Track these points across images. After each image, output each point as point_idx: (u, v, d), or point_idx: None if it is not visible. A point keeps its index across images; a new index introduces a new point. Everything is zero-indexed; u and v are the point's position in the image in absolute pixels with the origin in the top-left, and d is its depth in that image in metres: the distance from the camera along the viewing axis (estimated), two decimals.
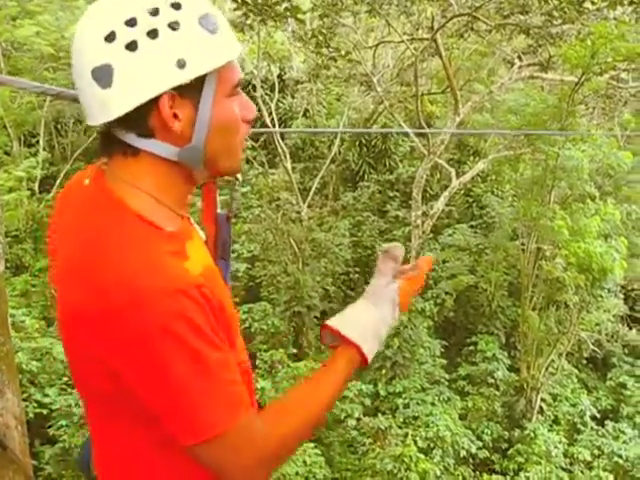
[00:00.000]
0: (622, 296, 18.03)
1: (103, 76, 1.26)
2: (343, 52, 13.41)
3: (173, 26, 1.25)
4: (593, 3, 12.55)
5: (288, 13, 7.95)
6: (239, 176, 1.62)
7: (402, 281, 1.61)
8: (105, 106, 1.28)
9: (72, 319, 1.28)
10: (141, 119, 1.29)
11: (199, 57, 1.26)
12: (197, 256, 1.35)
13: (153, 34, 1.24)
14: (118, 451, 1.40)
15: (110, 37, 1.25)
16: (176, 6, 1.26)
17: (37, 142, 19.27)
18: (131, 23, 1.24)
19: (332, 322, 1.53)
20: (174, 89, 1.26)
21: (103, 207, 1.32)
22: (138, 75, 1.25)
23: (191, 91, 1.28)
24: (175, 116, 1.29)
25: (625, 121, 20.14)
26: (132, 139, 1.32)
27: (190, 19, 1.26)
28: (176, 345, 1.20)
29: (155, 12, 1.25)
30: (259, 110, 19.04)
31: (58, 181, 18.93)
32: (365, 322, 1.52)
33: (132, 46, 1.24)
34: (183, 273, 1.25)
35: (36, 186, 18.38)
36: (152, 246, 1.26)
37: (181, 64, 1.25)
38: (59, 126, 20.83)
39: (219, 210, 1.67)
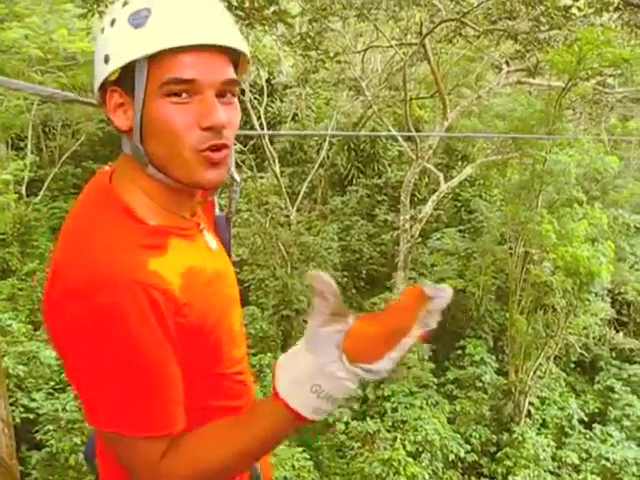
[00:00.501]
0: (609, 300, 18.11)
1: None
2: (332, 54, 13.41)
3: (112, 23, 1.29)
4: (580, 9, 12.64)
5: (276, 17, 7.96)
6: (236, 177, 1.60)
7: (358, 321, 1.21)
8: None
9: (44, 303, 1.29)
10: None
11: (118, 51, 1.26)
12: (183, 255, 1.33)
13: (102, 31, 1.31)
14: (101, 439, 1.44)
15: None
16: (124, 4, 1.29)
17: (25, 145, 19.18)
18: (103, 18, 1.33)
19: (278, 362, 1.29)
20: (116, 84, 1.29)
21: (98, 198, 1.35)
22: (95, 66, 1.32)
23: (129, 85, 1.28)
24: (125, 112, 1.31)
25: (612, 126, 20.32)
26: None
27: (123, 16, 1.27)
28: (99, 337, 1.19)
29: (110, 11, 1.31)
30: (247, 115, 19.04)
31: (46, 184, 18.87)
32: (296, 372, 1.23)
33: (94, 39, 1.32)
34: (141, 269, 1.23)
35: (23, 189, 18.29)
36: (123, 237, 1.27)
37: (106, 59, 1.28)
38: (47, 129, 20.75)
39: (217, 212, 1.67)
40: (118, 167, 1.39)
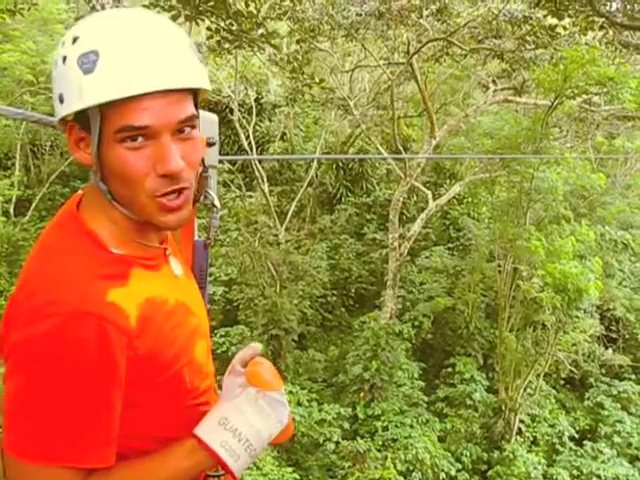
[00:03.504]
0: (598, 316, 18.16)
1: None
2: (317, 79, 13.51)
3: (64, 60, 1.25)
4: (565, 28, 12.78)
5: (263, 39, 8.01)
6: (216, 202, 1.59)
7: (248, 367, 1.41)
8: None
9: (2, 322, 1.28)
10: None
11: (70, 95, 1.24)
12: (144, 285, 1.31)
13: (55, 64, 1.28)
14: None
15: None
16: (74, 40, 1.25)
17: (12, 165, 19.14)
18: (62, 46, 1.28)
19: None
20: (74, 121, 1.27)
21: (64, 223, 1.34)
22: (53, 99, 1.30)
23: (87, 127, 1.26)
24: (87, 146, 1.29)
25: (598, 144, 20.46)
26: None
27: (73, 56, 1.23)
28: (41, 364, 1.18)
29: (62, 44, 1.27)
30: (236, 134, 19.11)
31: (34, 204, 18.80)
32: (211, 416, 1.35)
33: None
34: (98, 300, 1.21)
35: (11, 209, 18.23)
36: (84, 264, 1.25)
37: (61, 99, 1.26)
38: (35, 149, 20.72)
39: (196, 237, 1.66)
40: (87, 193, 1.38)
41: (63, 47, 1.26)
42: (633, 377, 18.12)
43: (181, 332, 1.37)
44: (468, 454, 14.71)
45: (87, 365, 1.19)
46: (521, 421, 15.77)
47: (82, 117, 1.25)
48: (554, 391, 17.25)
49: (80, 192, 1.42)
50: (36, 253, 1.32)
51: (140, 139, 1.23)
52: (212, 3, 7.29)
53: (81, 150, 1.30)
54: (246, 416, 1.32)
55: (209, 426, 1.32)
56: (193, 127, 1.29)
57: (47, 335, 1.17)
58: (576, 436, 16.12)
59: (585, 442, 15.98)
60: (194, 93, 1.32)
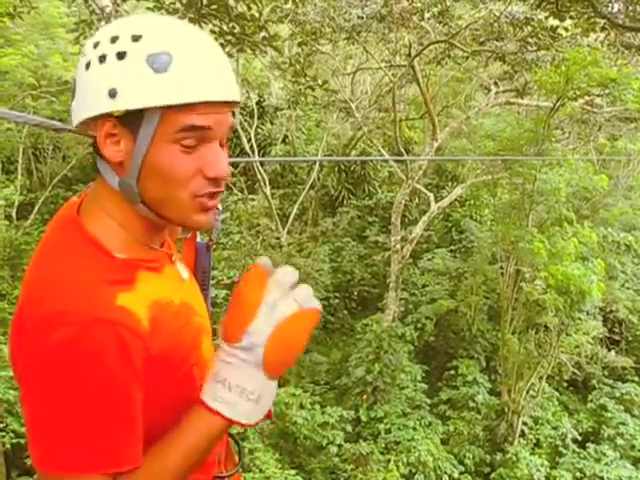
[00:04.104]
0: (601, 318, 18.15)
1: (73, 89, 1.32)
2: (320, 81, 13.51)
3: (120, 55, 1.25)
4: (567, 30, 12.79)
5: (265, 42, 8.02)
6: (219, 205, 1.60)
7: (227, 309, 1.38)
8: (71, 116, 1.33)
9: (10, 335, 1.27)
10: (92, 139, 1.32)
11: (132, 91, 1.23)
12: (151, 288, 1.31)
13: (102, 59, 1.26)
14: None
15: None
16: (135, 38, 1.25)
17: (15, 168, 19.17)
18: (95, 46, 1.28)
19: None
20: (115, 116, 1.26)
21: (64, 230, 1.33)
22: (85, 94, 1.28)
23: (132, 124, 1.26)
24: (117, 143, 1.28)
25: (600, 145, 20.44)
26: (97, 158, 1.34)
27: (139, 53, 1.24)
28: (61, 375, 1.17)
29: (114, 39, 1.26)
30: (237, 137, 19.12)
31: (36, 208, 18.83)
32: (209, 374, 1.36)
33: (87, 66, 1.27)
34: (109, 305, 1.21)
35: (14, 213, 18.25)
36: (90, 271, 1.25)
37: (112, 94, 1.24)
38: (38, 152, 20.75)
39: (199, 239, 1.67)
40: (90, 195, 1.37)
41: (116, 43, 1.26)
42: (636, 379, 18.10)
43: (188, 332, 1.39)
44: (471, 456, 14.69)
45: (109, 370, 1.19)
46: (524, 423, 15.75)
47: (132, 115, 1.25)
48: (557, 393, 17.24)
49: (75, 198, 1.41)
50: (40, 260, 1.31)
51: (194, 142, 1.27)
52: (215, 6, 7.30)
53: (111, 146, 1.29)
54: (229, 365, 1.31)
55: (205, 384, 1.33)
56: (229, 138, 1.36)
57: (63, 344, 1.17)
58: (579, 438, 16.11)
59: (588, 444, 15.97)
60: None
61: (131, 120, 1.25)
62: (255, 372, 1.30)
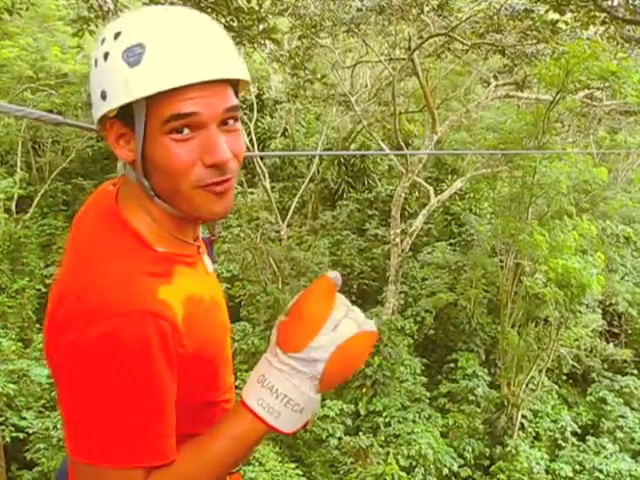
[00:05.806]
0: (600, 311, 18.17)
1: None
2: (320, 75, 13.50)
3: (105, 57, 1.25)
4: (566, 23, 12.76)
5: (265, 35, 8.00)
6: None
7: (285, 315, 1.34)
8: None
9: (47, 324, 1.26)
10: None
11: (114, 90, 1.23)
12: (186, 283, 1.30)
13: (95, 62, 1.27)
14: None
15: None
16: (116, 36, 1.24)
17: (14, 162, 19.16)
18: (95, 49, 1.28)
19: None
20: (116, 117, 1.26)
21: (105, 220, 1.33)
22: (92, 97, 1.30)
23: (129, 121, 1.26)
24: (128, 142, 1.28)
25: (600, 138, 20.44)
26: None
27: (117, 51, 1.23)
28: (103, 365, 1.17)
29: (102, 41, 1.26)
30: None
31: (35, 201, 18.83)
32: (253, 374, 1.32)
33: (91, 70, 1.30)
34: (151, 298, 1.21)
35: (13, 206, 18.25)
36: (133, 263, 1.25)
37: (103, 95, 1.25)
38: (36, 146, 20.74)
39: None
40: (123, 189, 1.37)
41: (104, 44, 1.25)
42: (635, 372, 18.14)
43: (217, 329, 1.39)
44: (471, 449, 14.71)
45: (151, 363, 1.19)
46: (523, 416, 15.77)
47: (125, 112, 1.25)
48: (556, 386, 17.26)
49: (108, 185, 1.42)
50: (78, 252, 1.31)
51: (186, 131, 1.23)
52: None
53: (122, 147, 1.29)
54: (280, 372, 1.28)
55: (250, 385, 1.30)
56: (236, 119, 1.30)
57: (107, 336, 1.16)
58: (579, 431, 16.14)
59: (588, 437, 16.00)
60: (234, 85, 1.31)
61: (127, 116, 1.26)
62: (307, 385, 1.28)
